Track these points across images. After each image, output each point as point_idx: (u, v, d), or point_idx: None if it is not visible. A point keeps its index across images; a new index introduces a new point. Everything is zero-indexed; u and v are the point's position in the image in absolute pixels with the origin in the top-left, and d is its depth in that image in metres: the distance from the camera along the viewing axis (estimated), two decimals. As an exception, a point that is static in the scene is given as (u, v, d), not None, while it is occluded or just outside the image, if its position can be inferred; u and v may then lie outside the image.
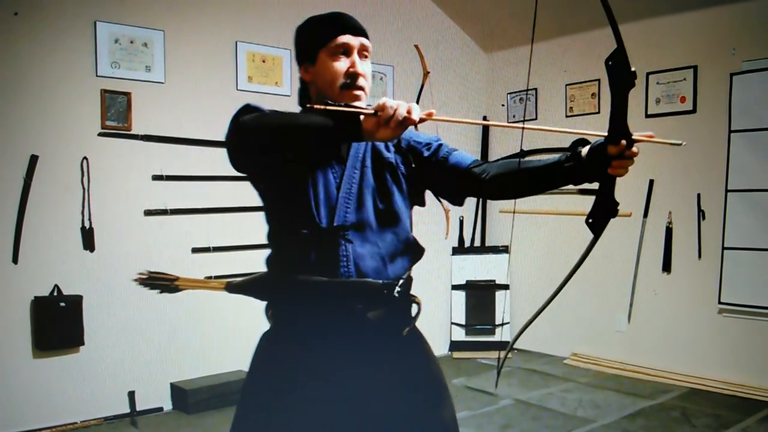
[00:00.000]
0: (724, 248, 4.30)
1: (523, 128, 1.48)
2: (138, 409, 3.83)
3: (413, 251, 1.57)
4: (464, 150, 1.63)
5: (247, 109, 1.41)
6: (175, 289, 1.81)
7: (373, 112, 1.24)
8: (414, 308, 1.55)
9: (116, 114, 3.76)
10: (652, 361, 4.66)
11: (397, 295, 1.44)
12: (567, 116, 5.16)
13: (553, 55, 5.17)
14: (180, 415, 3.90)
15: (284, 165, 1.44)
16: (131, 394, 3.81)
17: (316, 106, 1.26)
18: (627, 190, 4.69)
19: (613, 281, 4.87)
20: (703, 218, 4.44)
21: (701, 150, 4.39)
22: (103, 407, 3.73)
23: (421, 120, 1.27)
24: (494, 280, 5.38)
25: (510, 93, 5.62)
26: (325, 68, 1.46)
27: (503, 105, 5.66)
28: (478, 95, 5.74)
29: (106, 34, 3.72)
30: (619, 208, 1.39)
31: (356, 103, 1.44)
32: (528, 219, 5.17)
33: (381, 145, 1.54)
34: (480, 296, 5.40)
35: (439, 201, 1.74)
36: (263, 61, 4.36)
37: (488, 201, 5.51)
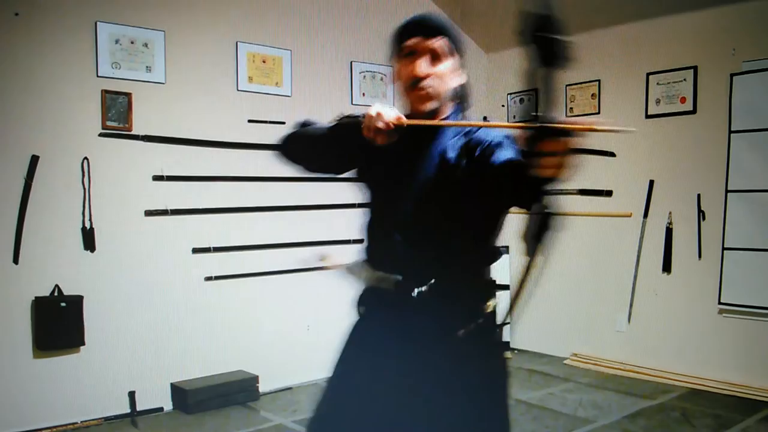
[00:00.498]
0: (724, 248, 4.30)
1: (513, 125, 1.46)
2: (138, 409, 3.83)
3: (472, 254, 1.58)
4: None
5: (296, 127, 1.67)
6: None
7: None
8: (473, 312, 1.59)
9: (117, 114, 3.76)
10: (652, 362, 4.66)
11: (415, 295, 1.50)
12: (567, 117, 5.16)
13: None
14: (180, 415, 3.90)
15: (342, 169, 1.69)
16: (131, 394, 3.81)
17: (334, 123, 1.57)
18: (627, 190, 4.71)
19: (613, 281, 4.87)
20: (704, 219, 4.44)
21: (701, 150, 4.39)
22: (103, 407, 3.73)
23: (397, 126, 1.40)
24: (494, 281, 5.37)
25: (510, 93, 5.62)
26: (398, 71, 1.59)
27: (503, 106, 5.67)
28: (478, 96, 5.73)
29: (107, 35, 3.73)
30: (555, 221, 1.06)
31: (427, 104, 1.53)
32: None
33: (449, 148, 1.53)
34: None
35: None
36: (263, 62, 4.36)
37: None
